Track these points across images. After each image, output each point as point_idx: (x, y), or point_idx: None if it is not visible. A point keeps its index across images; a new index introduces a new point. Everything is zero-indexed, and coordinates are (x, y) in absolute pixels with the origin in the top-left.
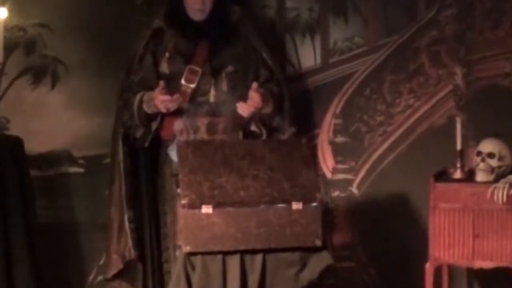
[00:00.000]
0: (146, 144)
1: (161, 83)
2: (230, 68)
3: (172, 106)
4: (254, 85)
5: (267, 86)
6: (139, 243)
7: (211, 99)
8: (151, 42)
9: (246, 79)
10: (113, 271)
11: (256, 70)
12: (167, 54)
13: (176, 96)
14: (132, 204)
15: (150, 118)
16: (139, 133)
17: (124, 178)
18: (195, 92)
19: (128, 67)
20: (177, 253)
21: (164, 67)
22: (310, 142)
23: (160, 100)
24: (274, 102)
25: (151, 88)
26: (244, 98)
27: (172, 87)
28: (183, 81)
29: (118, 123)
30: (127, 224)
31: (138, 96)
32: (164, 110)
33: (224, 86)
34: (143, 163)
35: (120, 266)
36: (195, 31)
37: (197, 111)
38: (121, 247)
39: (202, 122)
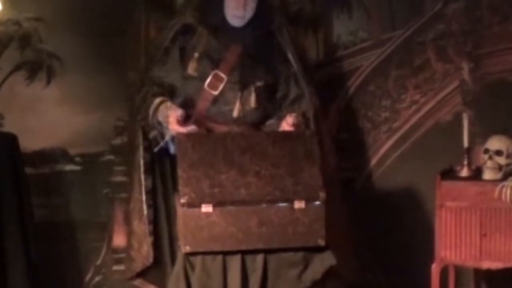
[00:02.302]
0: (155, 150)
1: (179, 114)
2: (260, 83)
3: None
4: (289, 120)
5: (300, 110)
6: (157, 245)
7: (235, 113)
8: (180, 36)
9: (274, 95)
10: (132, 274)
11: (287, 86)
12: (196, 55)
13: (191, 128)
14: (151, 202)
15: (162, 128)
16: (151, 134)
17: (144, 174)
18: (216, 99)
19: (151, 56)
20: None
21: (192, 69)
22: (314, 135)
23: (174, 129)
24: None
25: (171, 88)
26: (267, 111)
27: (194, 88)
28: (206, 86)
29: (136, 116)
30: (146, 225)
31: (156, 101)
32: (174, 134)
33: (252, 101)
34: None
35: (138, 270)
36: (229, 35)
37: (217, 119)
38: (139, 251)
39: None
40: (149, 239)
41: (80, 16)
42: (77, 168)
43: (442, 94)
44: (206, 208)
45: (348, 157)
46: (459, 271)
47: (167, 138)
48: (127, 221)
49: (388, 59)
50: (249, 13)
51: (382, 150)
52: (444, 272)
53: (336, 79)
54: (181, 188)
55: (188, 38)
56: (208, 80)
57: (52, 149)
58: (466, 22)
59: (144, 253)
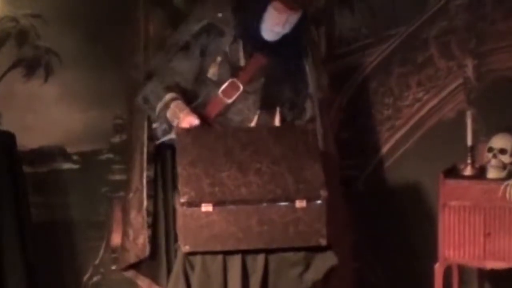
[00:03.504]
0: (156, 143)
1: (195, 123)
2: (286, 105)
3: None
4: None
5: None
6: (153, 238)
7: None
8: (204, 33)
9: (291, 113)
10: (125, 264)
11: (303, 105)
12: (218, 59)
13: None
14: (152, 193)
15: (169, 122)
16: (154, 125)
17: (147, 163)
18: (228, 106)
19: (168, 48)
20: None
21: (213, 73)
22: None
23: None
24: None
25: (183, 85)
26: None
27: (207, 90)
28: (220, 93)
29: (143, 104)
30: (145, 217)
31: (167, 97)
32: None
33: (276, 121)
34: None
35: (131, 261)
36: (257, 46)
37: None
38: (135, 242)
39: None
40: (147, 232)
41: (78, 12)
42: (76, 166)
43: (445, 92)
44: (206, 207)
45: (350, 155)
46: (463, 271)
47: (173, 136)
48: (124, 210)
49: (391, 56)
50: (286, 30)
51: (385, 149)
52: (447, 272)
53: (337, 76)
54: (180, 186)
55: (212, 38)
56: (223, 87)
57: (50, 147)
58: (469, 19)
59: (139, 245)
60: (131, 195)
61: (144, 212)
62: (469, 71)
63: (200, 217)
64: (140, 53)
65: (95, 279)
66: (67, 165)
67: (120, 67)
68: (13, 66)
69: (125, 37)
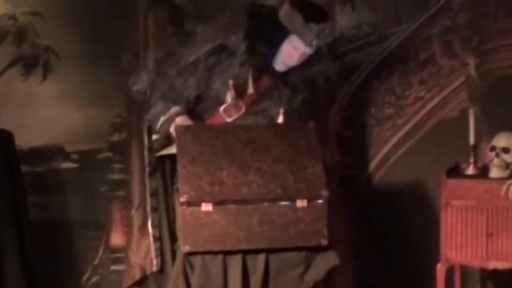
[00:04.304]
0: (157, 155)
1: None
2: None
3: None
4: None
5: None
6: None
7: None
8: (215, 54)
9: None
10: (130, 282)
11: None
12: (230, 82)
13: None
14: (156, 206)
15: (170, 136)
16: (154, 136)
17: (149, 176)
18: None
19: (174, 63)
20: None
21: (232, 97)
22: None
23: None
24: None
25: (186, 100)
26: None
27: (208, 106)
28: (221, 111)
29: (142, 114)
30: (150, 231)
31: (172, 110)
32: None
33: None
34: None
35: (138, 277)
36: (263, 72)
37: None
38: (141, 256)
39: None
40: (154, 245)
41: (77, 10)
42: (74, 165)
43: (447, 90)
44: (206, 207)
45: (351, 154)
46: (465, 271)
47: (174, 151)
48: (128, 224)
49: (392, 54)
50: (298, 63)
51: (386, 148)
52: (449, 272)
53: (339, 74)
54: (180, 186)
55: (223, 59)
56: (225, 105)
57: (48, 146)
58: (472, 17)
59: (147, 259)
60: (133, 211)
61: (150, 226)
62: (472, 70)
63: (200, 216)
64: (139, 51)
65: (94, 279)
66: (66, 164)
67: (119, 65)
68: (12, 64)
69: (125, 35)
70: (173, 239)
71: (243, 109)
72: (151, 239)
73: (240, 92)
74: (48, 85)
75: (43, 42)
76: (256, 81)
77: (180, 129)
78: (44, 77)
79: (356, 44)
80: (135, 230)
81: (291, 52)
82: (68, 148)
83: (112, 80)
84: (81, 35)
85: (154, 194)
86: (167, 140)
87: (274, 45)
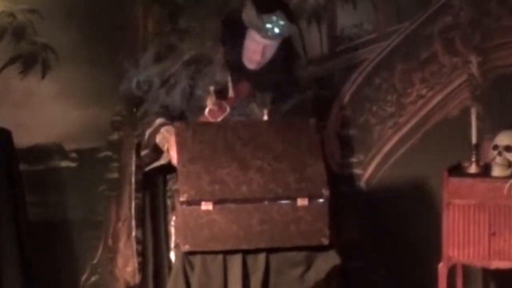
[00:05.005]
0: (146, 170)
1: None
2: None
3: None
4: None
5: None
6: (143, 266)
7: None
8: (193, 63)
9: None
10: None
11: None
12: (211, 88)
13: None
14: (141, 222)
15: (157, 149)
16: (143, 153)
17: (135, 192)
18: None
19: (158, 75)
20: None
21: (212, 103)
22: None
23: (175, 156)
24: None
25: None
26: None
27: (193, 111)
28: (207, 113)
29: (130, 128)
30: (134, 246)
31: (157, 122)
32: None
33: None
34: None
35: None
36: (241, 74)
37: None
38: (124, 269)
39: None
40: (136, 260)
41: (76, 8)
42: (73, 164)
43: (449, 89)
44: (206, 206)
45: (353, 153)
46: (467, 270)
47: (163, 162)
48: (114, 238)
49: (394, 52)
50: (266, 60)
51: (388, 146)
52: (451, 272)
53: (340, 73)
54: (180, 185)
55: (202, 66)
56: (209, 108)
57: (47, 145)
58: (474, 14)
59: (129, 272)
60: (120, 224)
61: (133, 240)
62: (474, 68)
63: (200, 216)
64: (138, 50)
65: (93, 278)
66: (64, 163)
67: (118, 63)
68: (10, 62)
69: (124, 34)
70: (157, 256)
71: (228, 110)
72: (134, 252)
73: (223, 97)
74: (46, 83)
75: (41, 40)
76: (235, 84)
77: (180, 126)
78: (43, 75)
79: (357, 42)
80: (121, 243)
81: (254, 47)
82: (67, 147)
83: (110, 78)
84: (80, 33)
85: (139, 209)
86: (155, 153)
87: (241, 46)
